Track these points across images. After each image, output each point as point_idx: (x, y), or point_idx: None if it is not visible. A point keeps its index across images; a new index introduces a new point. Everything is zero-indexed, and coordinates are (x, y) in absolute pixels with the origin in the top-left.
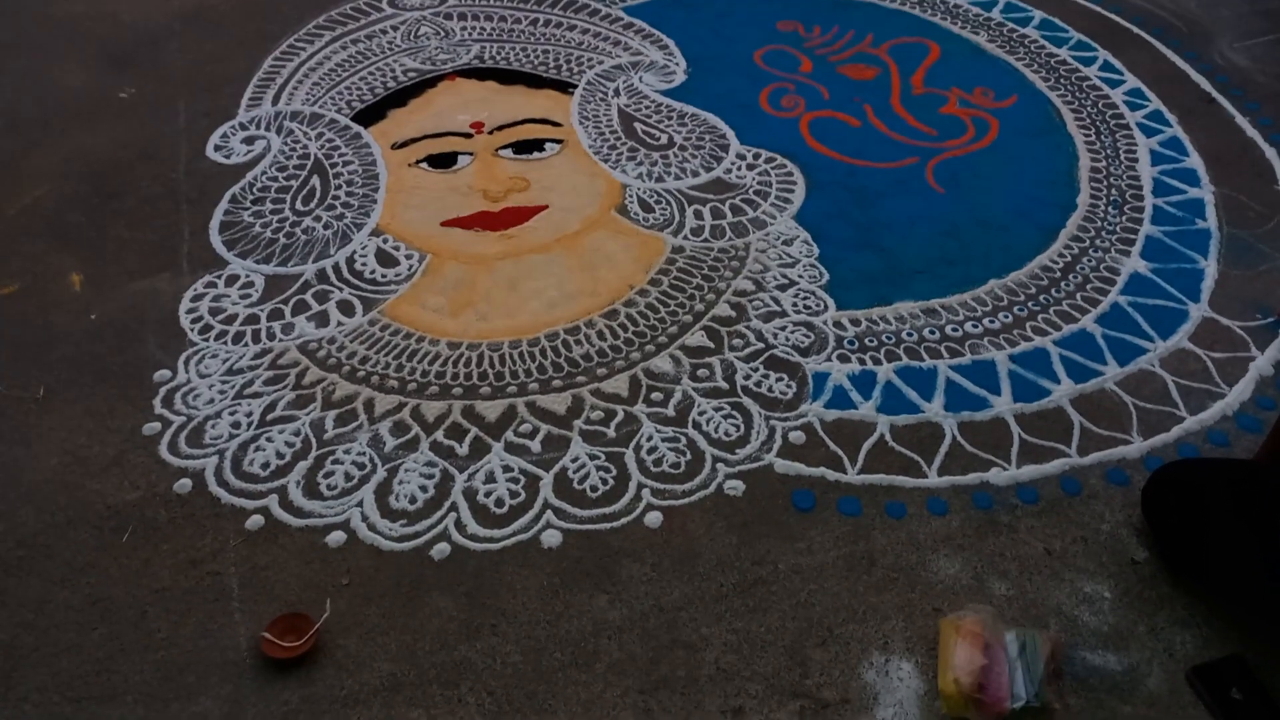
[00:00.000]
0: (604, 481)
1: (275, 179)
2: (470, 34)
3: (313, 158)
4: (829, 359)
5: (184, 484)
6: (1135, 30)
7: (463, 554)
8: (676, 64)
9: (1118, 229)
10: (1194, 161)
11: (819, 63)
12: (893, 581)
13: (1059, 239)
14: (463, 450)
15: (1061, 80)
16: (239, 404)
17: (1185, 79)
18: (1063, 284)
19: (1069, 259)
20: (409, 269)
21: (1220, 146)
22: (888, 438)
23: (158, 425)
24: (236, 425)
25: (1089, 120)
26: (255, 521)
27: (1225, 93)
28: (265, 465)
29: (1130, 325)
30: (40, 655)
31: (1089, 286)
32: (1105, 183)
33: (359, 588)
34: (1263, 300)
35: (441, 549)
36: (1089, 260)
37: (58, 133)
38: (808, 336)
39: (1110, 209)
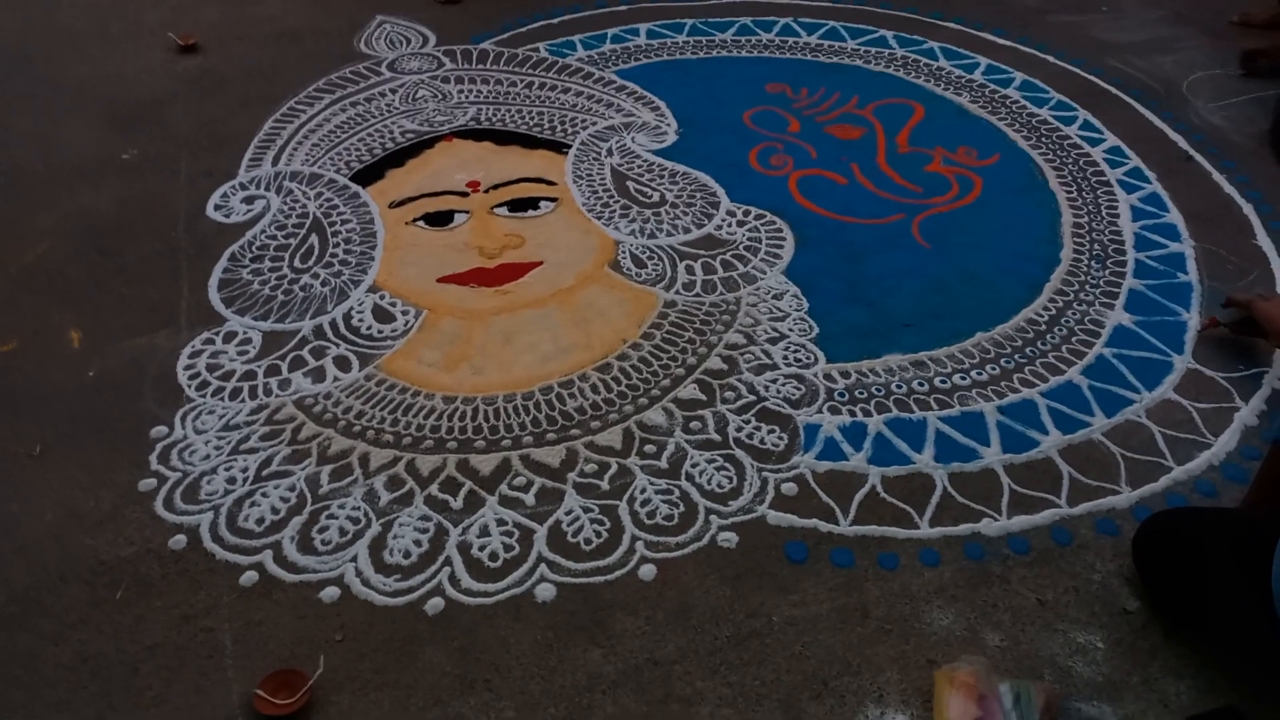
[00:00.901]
0: (598, 534)
1: (274, 237)
2: (467, 96)
3: (311, 216)
4: (820, 411)
5: (179, 540)
6: (1114, 91)
7: (456, 609)
8: (668, 124)
9: (1101, 283)
10: (1174, 217)
11: (806, 123)
12: (887, 633)
13: (1043, 293)
14: (457, 504)
15: (1043, 139)
16: (235, 459)
17: (1163, 138)
18: (1048, 337)
19: (1054, 312)
20: (405, 324)
21: (1199, 202)
22: (879, 489)
23: (153, 481)
24: (232, 481)
25: (1070, 177)
26: (249, 577)
27: (1203, 151)
28: (260, 521)
29: (1116, 377)
30: (30, 712)
31: (1074, 339)
32: (1088, 238)
33: (352, 643)
34: (1244, 352)
35: (435, 604)
36: (1074, 313)
37: (62, 191)
38: (799, 389)
39: (1093, 263)
